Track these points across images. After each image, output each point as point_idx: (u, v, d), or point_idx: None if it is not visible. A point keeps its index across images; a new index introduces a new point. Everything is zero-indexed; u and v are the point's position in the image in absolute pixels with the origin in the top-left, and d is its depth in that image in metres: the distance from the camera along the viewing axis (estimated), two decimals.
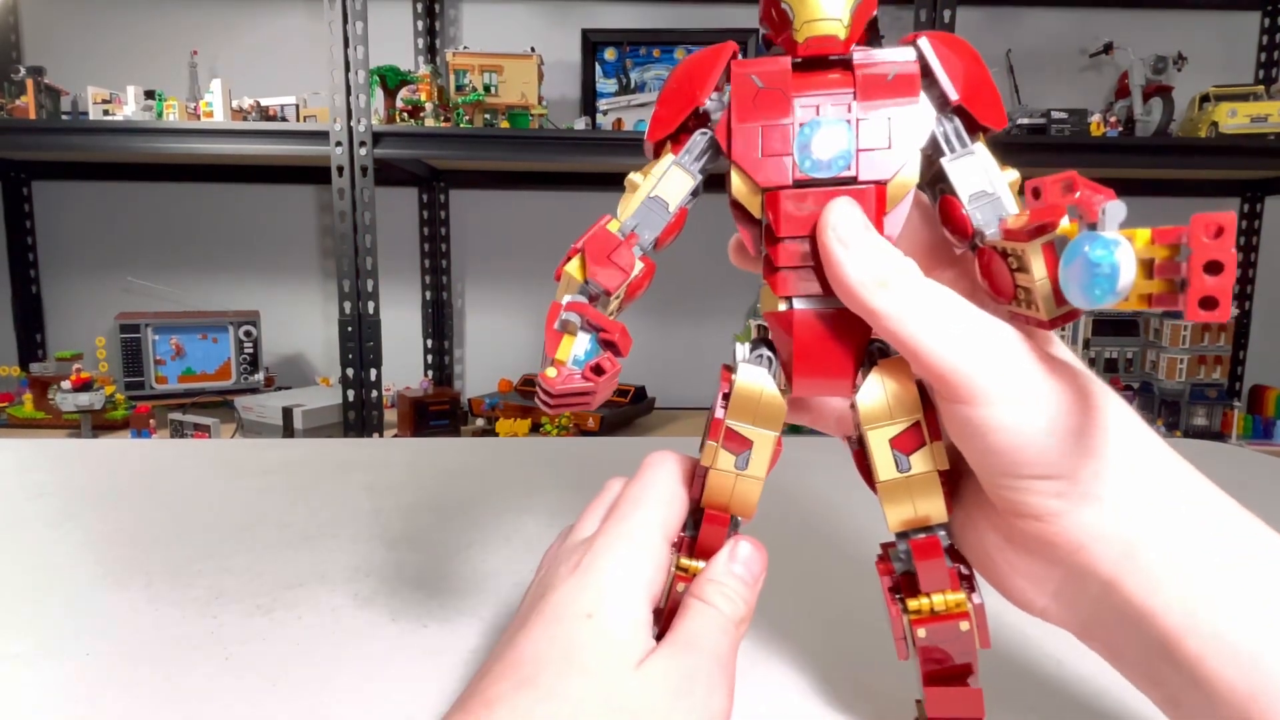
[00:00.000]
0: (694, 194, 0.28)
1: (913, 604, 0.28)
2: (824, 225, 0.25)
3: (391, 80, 1.66)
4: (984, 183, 0.26)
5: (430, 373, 2.06)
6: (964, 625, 0.27)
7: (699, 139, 0.28)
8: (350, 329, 1.62)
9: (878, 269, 0.25)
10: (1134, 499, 0.25)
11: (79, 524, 0.55)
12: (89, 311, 2.03)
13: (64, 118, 1.72)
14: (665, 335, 2.05)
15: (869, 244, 0.25)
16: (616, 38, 1.93)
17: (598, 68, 1.95)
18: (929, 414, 0.27)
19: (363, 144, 1.57)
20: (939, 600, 0.27)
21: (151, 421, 1.73)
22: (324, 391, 1.83)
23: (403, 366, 2.00)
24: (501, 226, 2.07)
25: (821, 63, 0.26)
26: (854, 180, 0.26)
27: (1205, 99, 1.73)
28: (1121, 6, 1.96)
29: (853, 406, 0.27)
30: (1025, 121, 1.70)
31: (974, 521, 0.28)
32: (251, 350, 1.88)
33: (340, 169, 1.58)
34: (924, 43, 0.26)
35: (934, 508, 0.27)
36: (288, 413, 1.64)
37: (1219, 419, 1.81)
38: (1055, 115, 1.68)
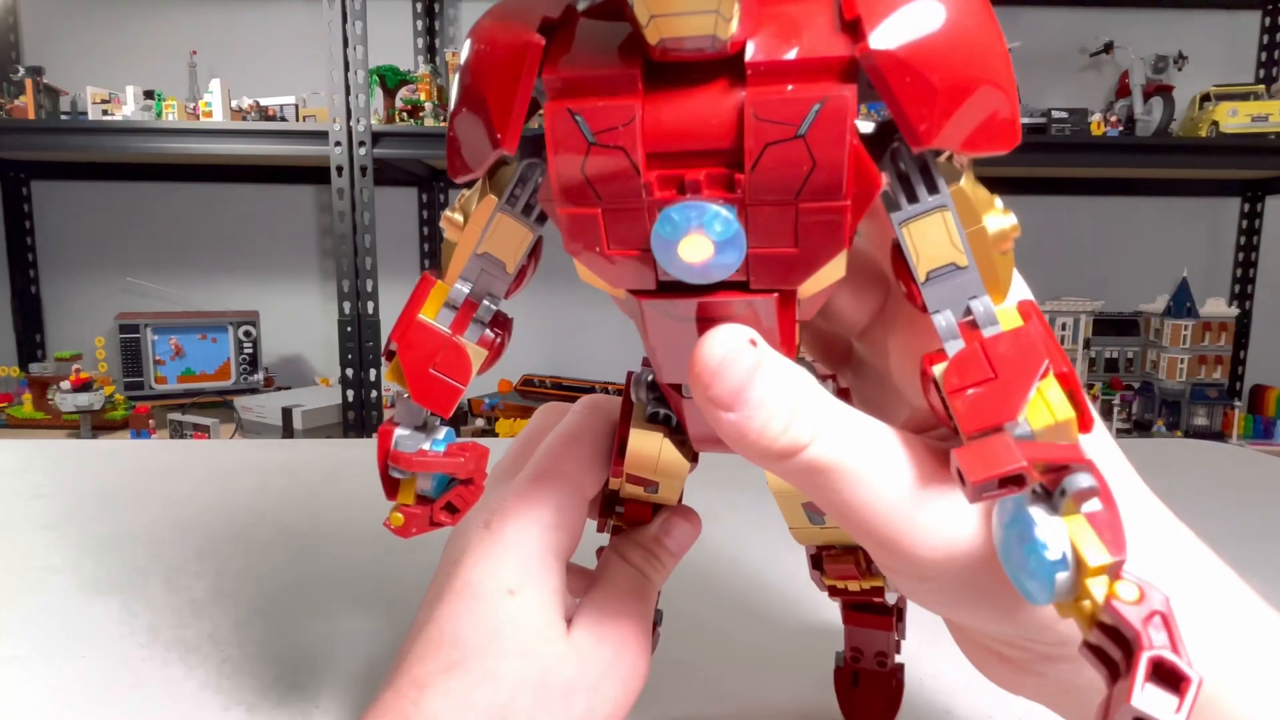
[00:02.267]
0: (535, 246, 0.21)
1: (827, 581, 0.28)
2: (694, 381, 0.18)
3: (391, 80, 1.66)
4: (950, 252, 0.17)
5: None
6: (877, 600, 0.28)
7: (527, 173, 0.20)
8: (350, 329, 1.62)
9: (782, 432, 0.18)
10: None
11: (77, 525, 0.54)
12: (88, 312, 2.03)
13: (63, 118, 1.72)
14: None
15: (762, 399, 0.18)
16: None
17: None
18: None
19: (362, 144, 1.57)
20: (853, 584, 0.27)
21: (151, 422, 1.73)
22: (323, 392, 1.82)
23: None
24: None
25: (695, 71, 0.16)
26: (745, 286, 0.17)
27: (1206, 98, 1.73)
28: (1122, 6, 1.96)
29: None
30: (1026, 121, 1.69)
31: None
32: (251, 350, 1.87)
33: (340, 169, 1.58)
34: (878, 62, 0.15)
35: (849, 540, 0.26)
36: (287, 413, 1.63)
37: (1219, 419, 1.81)
38: (1055, 115, 1.68)
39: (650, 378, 0.24)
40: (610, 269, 0.18)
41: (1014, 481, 0.16)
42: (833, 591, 0.29)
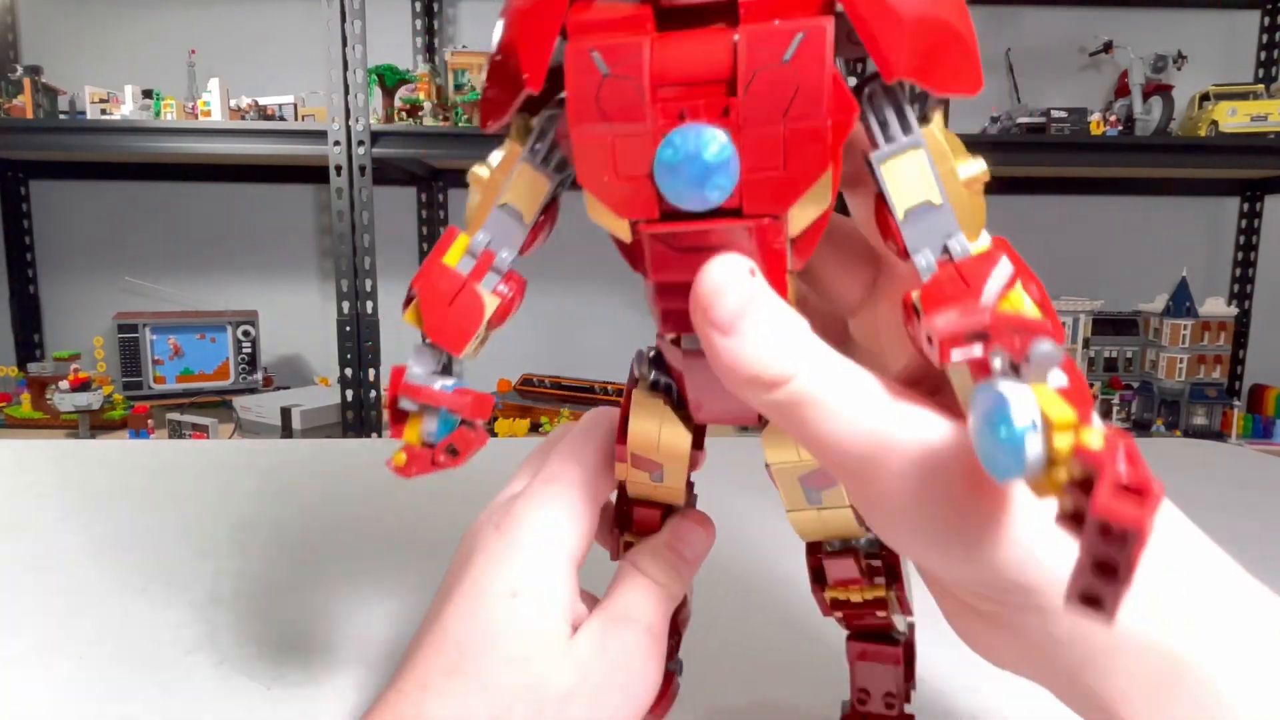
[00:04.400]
0: (554, 197, 0.22)
1: (829, 593, 0.27)
2: (695, 305, 0.19)
3: (390, 79, 1.66)
4: (925, 190, 0.19)
5: None
6: (880, 614, 0.27)
7: (547, 125, 0.21)
8: (349, 329, 1.62)
9: (773, 361, 0.18)
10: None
11: (76, 525, 0.54)
12: (87, 311, 2.03)
13: (61, 117, 1.71)
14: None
15: (756, 327, 0.18)
16: None
17: None
18: None
19: (361, 143, 1.57)
20: (855, 593, 0.26)
21: (149, 422, 1.73)
22: (323, 391, 1.82)
23: None
24: None
25: (696, 14, 0.18)
26: (738, 213, 0.19)
27: (1205, 98, 1.73)
28: (1121, 5, 1.96)
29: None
30: (1025, 120, 1.69)
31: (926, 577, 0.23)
32: (250, 350, 1.87)
33: (338, 168, 1.58)
34: None
35: (848, 529, 0.25)
36: (286, 413, 1.63)
37: (1219, 418, 1.81)
38: (1055, 114, 1.68)
39: (654, 353, 0.25)
40: (617, 194, 0.19)
41: (979, 337, 0.17)
42: (834, 605, 0.28)
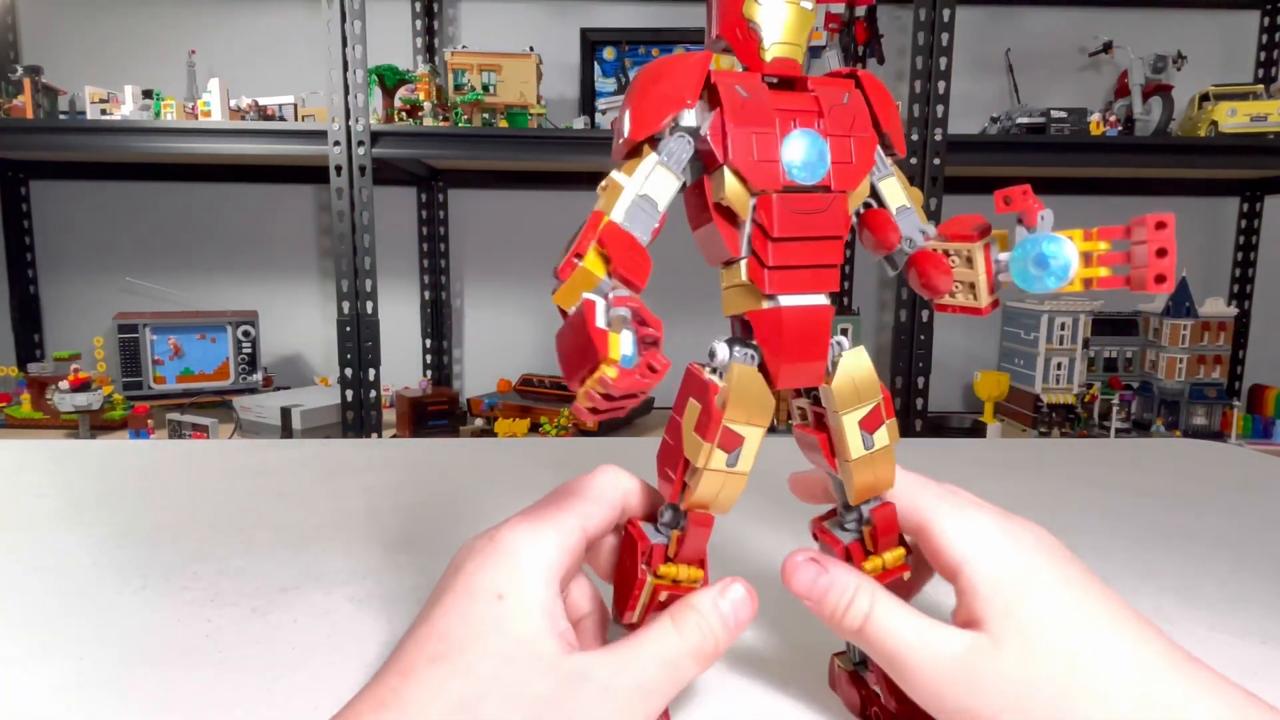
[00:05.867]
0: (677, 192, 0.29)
1: (868, 565, 0.31)
2: (786, 580, 0.30)
3: (390, 79, 1.66)
4: (903, 198, 0.31)
5: (429, 373, 2.06)
6: (906, 575, 0.32)
7: (678, 143, 0.28)
8: (349, 329, 1.62)
9: (848, 618, 0.29)
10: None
11: (76, 525, 0.54)
12: (87, 311, 2.03)
13: (61, 117, 1.71)
14: (664, 334, 2.04)
15: (831, 599, 0.29)
16: (615, 37, 1.93)
17: (596, 67, 1.95)
18: (885, 394, 0.31)
19: (361, 143, 1.57)
20: (889, 557, 0.31)
21: (149, 422, 1.73)
22: (322, 392, 1.82)
23: (401, 366, 2.00)
24: (500, 226, 2.07)
25: (784, 83, 0.29)
26: (828, 189, 0.28)
27: (1205, 98, 1.73)
28: (1121, 5, 1.96)
29: (812, 397, 0.31)
30: (1025, 121, 1.70)
31: None
32: (250, 350, 1.87)
33: (339, 168, 1.58)
34: (861, 78, 0.30)
35: (889, 474, 0.31)
36: (286, 413, 1.63)
37: (1218, 418, 1.81)
38: (1055, 114, 1.68)
39: (727, 339, 0.30)
40: (758, 171, 0.28)
41: (983, 231, 0.30)
42: (859, 553, 0.32)
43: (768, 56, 0.28)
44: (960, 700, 0.27)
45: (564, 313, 0.25)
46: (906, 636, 0.28)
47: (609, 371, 0.23)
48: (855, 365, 0.30)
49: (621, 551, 0.31)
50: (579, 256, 0.26)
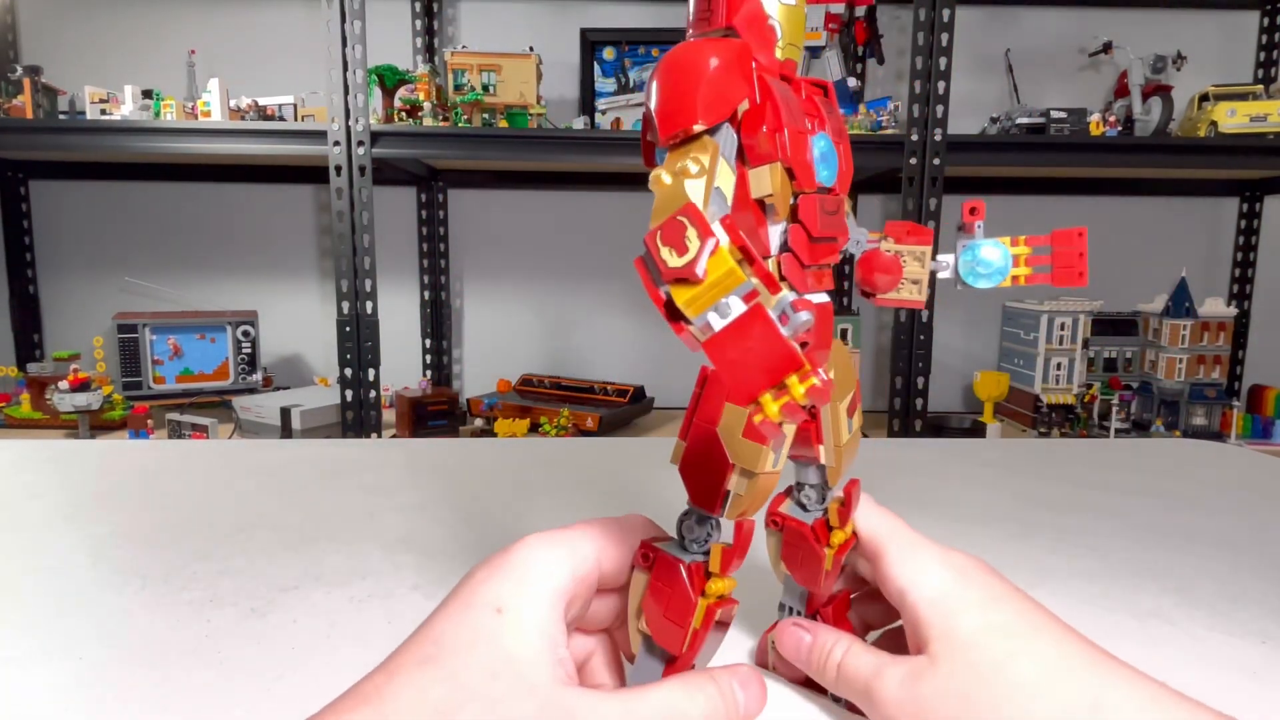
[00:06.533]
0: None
1: (835, 538, 0.33)
2: (779, 649, 0.35)
3: (390, 79, 1.66)
4: (846, 205, 0.33)
5: (429, 373, 2.06)
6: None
7: (727, 135, 0.27)
8: (348, 329, 1.62)
9: (827, 667, 0.33)
10: None
11: (75, 525, 0.54)
12: (86, 311, 2.03)
13: (61, 117, 1.71)
14: (664, 335, 2.04)
15: (816, 656, 0.33)
16: (615, 37, 1.93)
17: (596, 67, 1.95)
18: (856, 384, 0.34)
19: (361, 143, 1.57)
20: (849, 529, 0.34)
21: (149, 422, 1.72)
22: (322, 392, 1.82)
23: (401, 366, 2.00)
24: (500, 226, 2.07)
25: (784, 82, 0.29)
26: (832, 191, 0.30)
27: (1204, 98, 1.73)
28: (1121, 6, 1.96)
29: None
30: (1024, 121, 1.69)
31: None
32: (249, 350, 1.87)
33: (338, 168, 1.58)
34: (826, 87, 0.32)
35: (855, 455, 0.34)
36: (286, 413, 1.63)
37: (1218, 418, 1.81)
38: (1054, 114, 1.68)
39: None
40: (806, 172, 0.28)
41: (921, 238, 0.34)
42: (821, 532, 0.33)
43: (781, 55, 0.28)
44: None
45: (672, 316, 0.23)
46: (865, 671, 0.31)
47: (815, 380, 0.22)
48: (841, 354, 0.32)
49: (654, 580, 0.29)
50: (708, 255, 0.23)
